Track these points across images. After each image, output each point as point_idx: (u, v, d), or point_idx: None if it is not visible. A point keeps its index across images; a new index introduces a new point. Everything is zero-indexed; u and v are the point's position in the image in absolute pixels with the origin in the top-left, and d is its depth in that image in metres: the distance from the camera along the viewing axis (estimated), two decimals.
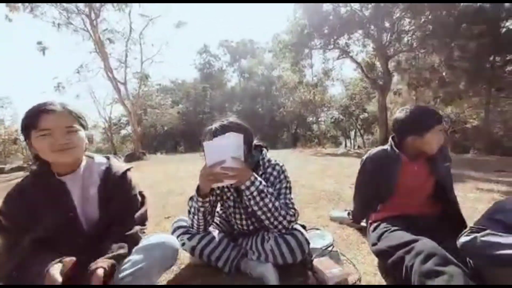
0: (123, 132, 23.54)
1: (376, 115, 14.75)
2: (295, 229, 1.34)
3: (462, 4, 10.16)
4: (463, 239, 1.13)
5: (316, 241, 1.65)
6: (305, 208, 2.78)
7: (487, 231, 1.09)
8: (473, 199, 2.87)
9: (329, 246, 1.56)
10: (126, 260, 1.01)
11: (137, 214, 1.18)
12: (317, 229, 1.98)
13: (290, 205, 1.33)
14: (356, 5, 11.30)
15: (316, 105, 18.57)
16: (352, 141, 24.26)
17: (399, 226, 1.41)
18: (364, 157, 1.68)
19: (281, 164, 1.43)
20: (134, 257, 1.02)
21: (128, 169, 1.22)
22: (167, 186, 4.15)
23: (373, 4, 10.77)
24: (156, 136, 24.88)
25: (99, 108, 18.11)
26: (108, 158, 1.24)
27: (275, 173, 1.41)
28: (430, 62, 12.24)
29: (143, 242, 1.10)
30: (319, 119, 22.41)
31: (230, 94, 26.16)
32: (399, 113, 1.56)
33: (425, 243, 1.13)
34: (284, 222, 1.28)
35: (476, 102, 13.11)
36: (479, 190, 3.24)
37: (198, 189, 1.26)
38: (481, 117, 13.87)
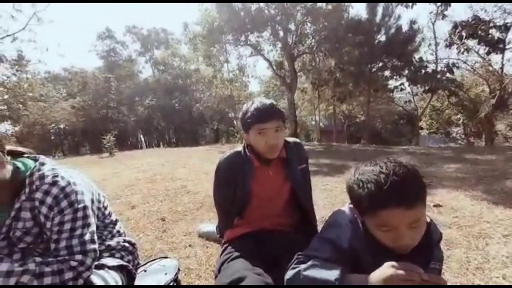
0: None
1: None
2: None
3: (347, 15, 11.81)
4: (288, 274, 0.91)
5: (155, 277, 1.31)
6: (179, 220, 2.43)
7: (311, 262, 0.88)
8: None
9: (171, 282, 1.27)
10: None
11: None
12: (165, 257, 1.63)
13: (78, 248, 0.92)
14: (263, 4, 11.63)
15: (235, 101, 18.66)
16: None
17: (247, 248, 1.19)
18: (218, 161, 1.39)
19: (64, 184, 0.94)
20: None
21: None
22: None
23: (277, 4, 11.30)
24: (45, 135, 20.11)
25: None
26: None
27: (49, 200, 0.94)
28: (328, 64, 13.88)
29: None
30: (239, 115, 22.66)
31: (142, 87, 23.42)
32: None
33: (249, 283, 0.94)
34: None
35: (362, 100, 15.72)
36: None
37: None
38: (367, 113, 16.79)
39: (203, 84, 18.23)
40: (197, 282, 1.57)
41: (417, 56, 12.13)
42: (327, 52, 12.41)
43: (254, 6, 12.03)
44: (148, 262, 1.45)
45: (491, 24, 10.48)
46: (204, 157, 6.83)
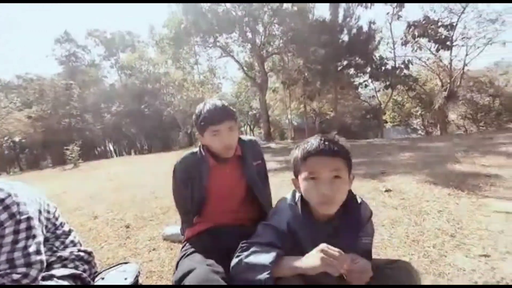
0: None
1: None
2: None
3: (312, 16, 12.26)
4: (232, 262, 0.98)
5: (114, 283, 1.30)
6: (144, 226, 2.40)
7: (252, 248, 0.96)
8: None
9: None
10: None
11: None
12: (125, 262, 1.62)
13: (21, 261, 0.91)
14: (229, 4, 11.69)
15: None
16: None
17: (204, 244, 1.24)
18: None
19: (4, 195, 0.92)
20: None
21: None
22: None
23: (244, 6, 11.42)
24: None
25: None
26: None
27: None
28: (296, 64, 14.30)
29: None
30: None
31: (108, 93, 22.26)
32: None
33: (198, 274, 0.98)
34: None
35: (330, 98, 16.39)
36: None
37: None
38: (336, 109, 17.52)
39: (173, 88, 17.80)
40: (158, 283, 1.58)
41: (377, 54, 12.94)
42: (295, 52, 12.80)
43: (221, 7, 12.05)
44: (106, 269, 1.45)
45: (439, 24, 11.53)
46: (175, 161, 6.71)
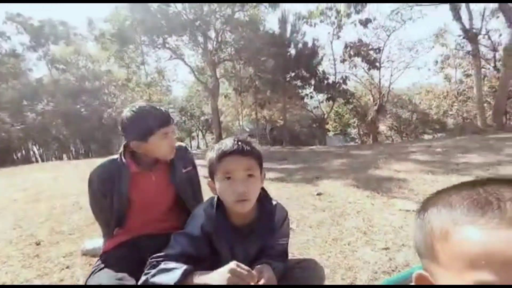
0: None
1: None
2: None
3: (263, 27, 12.78)
4: (140, 280, 0.93)
5: None
6: (61, 242, 2.11)
7: (160, 266, 0.92)
8: None
9: None
10: None
11: None
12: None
13: None
14: (179, 6, 11.40)
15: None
16: (199, 141, 25.09)
17: (121, 256, 1.16)
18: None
19: None
20: None
21: None
22: None
23: (196, 10, 11.28)
24: None
25: None
26: None
27: None
28: (248, 72, 14.65)
29: None
30: None
31: (33, 88, 19.12)
32: (123, 113, 1.27)
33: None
34: None
35: (280, 106, 17.20)
36: None
37: None
38: (285, 118, 18.45)
39: (116, 87, 16.34)
40: None
41: (321, 69, 14.16)
42: (246, 61, 13.12)
43: (171, 9, 11.65)
44: None
45: (370, 47, 13.27)
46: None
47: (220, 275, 0.87)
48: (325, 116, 18.37)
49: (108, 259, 1.20)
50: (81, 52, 19.17)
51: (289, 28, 13.42)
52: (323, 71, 14.12)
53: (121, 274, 1.08)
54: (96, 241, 1.98)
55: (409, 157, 4.96)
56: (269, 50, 12.20)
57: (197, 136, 24.99)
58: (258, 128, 20.62)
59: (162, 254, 0.97)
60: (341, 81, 13.66)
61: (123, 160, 1.29)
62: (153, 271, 0.92)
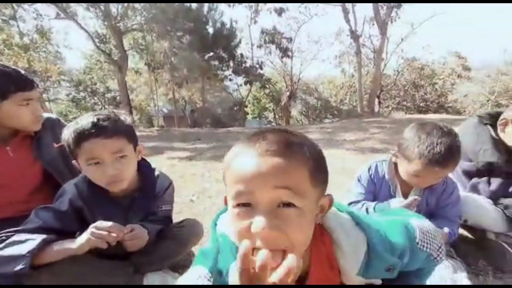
0: None
1: None
2: None
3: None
4: None
5: None
6: None
7: (12, 239, 0.87)
8: None
9: None
10: None
11: None
12: None
13: None
14: None
15: (40, 76, 13.88)
16: None
17: None
18: None
19: None
20: None
21: None
22: None
23: None
24: None
25: None
26: None
27: None
28: (162, 47, 13.36)
29: None
30: (57, 97, 17.37)
31: None
32: None
33: None
34: None
35: (199, 87, 16.65)
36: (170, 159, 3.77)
37: None
38: (206, 100, 18.04)
39: None
40: None
41: (238, 52, 14.34)
42: (160, 34, 11.90)
43: None
44: None
45: (284, 35, 14.25)
46: None
47: (81, 239, 0.85)
48: (244, 99, 18.96)
49: None
50: None
51: (206, 5, 12.85)
52: (241, 54, 14.37)
53: None
54: None
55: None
56: (184, 24, 11.43)
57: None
58: (176, 110, 19.46)
59: (14, 229, 0.88)
60: (257, 66, 14.25)
61: None
62: (3, 245, 0.82)
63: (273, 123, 23.10)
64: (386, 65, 16.17)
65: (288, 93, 17.21)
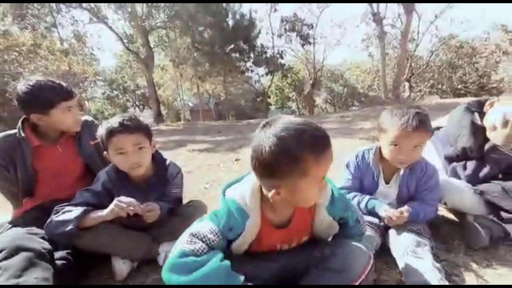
0: None
1: None
2: None
3: None
4: (46, 223, 1.20)
5: None
6: None
7: (64, 209, 1.18)
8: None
9: None
10: None
11: None
12: None
13: None
14: None
15: (79, 78, 15.17)
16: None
17: (29, 219, 1.27)
18: None
19: None
20: None
21: None
22: None
23: None
24: None
25: None
26: None
27: None
28: (185, 42, 13.77)
29: None
30: (94, 96, 18.85)
31: None
32: (18, 87, 1.31)
33: (9, 234, 1.10)
34: None
35: (221, 80, 16.96)
36: (191, 151, 4.08)
37: None
38: (229, 92, 18.36)
39: (21, 55, 13.52)
40: None
41: (259, 42, 14.28)
42: (182, 30, 12.28)
43: None
44: None
45: (304, 22, 13.86)
46: None
47: (108, 209, 1.12)
48: (267, 90, 18.93)
49: (16, 221, 1.30)
50: None
51: None
52: (261, 45, 14.30)
53: (28, 228, 1.20)
54: None
55: (322, 126, 5.73)
56: (205, 19, 11.65)
57: (134, 112, 23.04)
58: (201, 103, 20.07)
59: (66, 204, 1.18)
60: (278, 55, 14.10)
61: (22, 134, 1.35)
62: (57, 214, 1.13)
63: (296, 113, 22.82)
64: (418, 45, 15.01)
65: (311, 81, 16.85)
